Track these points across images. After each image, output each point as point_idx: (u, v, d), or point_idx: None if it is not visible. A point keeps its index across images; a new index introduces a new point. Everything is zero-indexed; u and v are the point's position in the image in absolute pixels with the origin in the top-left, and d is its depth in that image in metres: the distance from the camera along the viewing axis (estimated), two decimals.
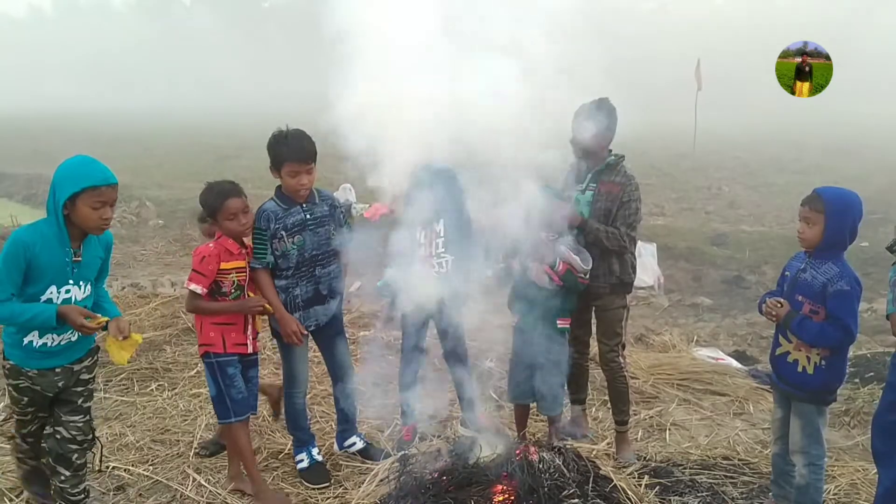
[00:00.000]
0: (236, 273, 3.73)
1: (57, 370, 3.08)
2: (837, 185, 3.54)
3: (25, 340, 3.00)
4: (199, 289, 3.64)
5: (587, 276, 4.02)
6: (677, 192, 16.16)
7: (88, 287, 3.10)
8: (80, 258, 3.03)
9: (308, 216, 3.87)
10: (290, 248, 3.82)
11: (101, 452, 3.50)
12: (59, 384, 3.09)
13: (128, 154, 22.54)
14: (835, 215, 3.23)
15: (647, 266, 9.00)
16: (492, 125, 3.40)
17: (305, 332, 3.95)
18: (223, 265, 3.68)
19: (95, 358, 3.27)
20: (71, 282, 3.01)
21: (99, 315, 3.05)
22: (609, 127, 4.09)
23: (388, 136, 3.54)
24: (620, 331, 4.29)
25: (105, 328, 3.06)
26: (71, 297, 3.01)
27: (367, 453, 4.28)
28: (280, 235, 3.79)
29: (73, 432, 3.15)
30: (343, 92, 3.45)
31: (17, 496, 3.75)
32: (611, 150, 4.18)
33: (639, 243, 4.67)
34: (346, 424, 4.35)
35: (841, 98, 31.35)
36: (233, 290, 3.73)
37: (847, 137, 26.22)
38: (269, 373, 5.62)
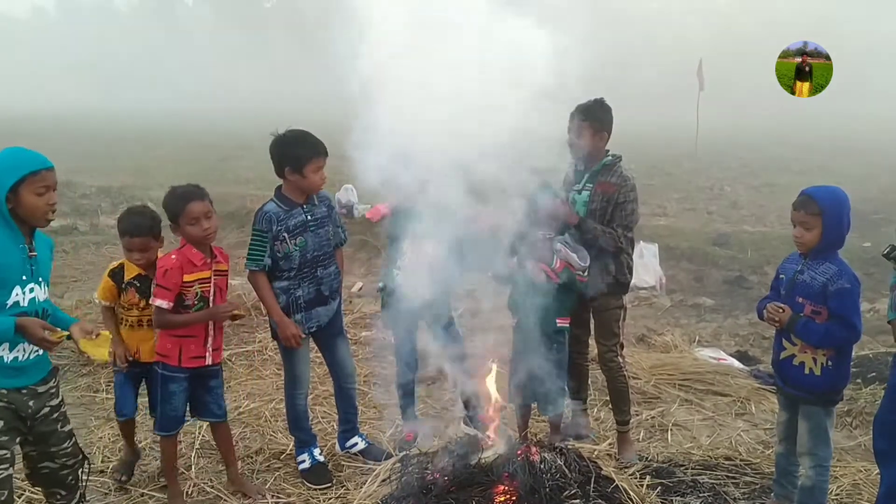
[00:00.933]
0: (199, 284, 3.63)
1: (23, 391, 2.88)
2: (840, 185, 3.53)
3: None
4: (164, 304, 3.54)
5: (585, 273, 4.02)
6: (679, 192, 16.11)
7: (45, 288, 2.94)
8: (35, 253, 2.89)
9: (309, 217, 3.88)
10: (293, 249, 3.82)
11: (90, 470, 3.32)
12: (30, 404, 2.89)
13: (130, 154, 22.53)
14: (832, 215, 3.23)
15: (649, 266, 8.96)
16: (491, 124, 3.39)
17: (303, 335, 3.95)
18: (186, 277, 3.58)
19: (57, 379, 3.08)
20: (32, 280, 2.85)
21: (59, 329, 2.88)
22: (605, 127, 4.09)
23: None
24: (618, 331, 4.29)
25: (69, 338, 2.92)
26: (35, 297, 2.86)
27: (369, 454, 4.28)
28: (282, 237, 3.79)
29: (64, 459, 3.05)
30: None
31: (18, 497, 3.76)
32: (608, 151, 4.18)
33: (640, 244, 4.66)
34: (348, 425, 4.36)
35: (841, 98, 31.28)
36: (196, 303, 3.63)
37: (849, 137, 26.17)
38: (272, 373, 5.63)
